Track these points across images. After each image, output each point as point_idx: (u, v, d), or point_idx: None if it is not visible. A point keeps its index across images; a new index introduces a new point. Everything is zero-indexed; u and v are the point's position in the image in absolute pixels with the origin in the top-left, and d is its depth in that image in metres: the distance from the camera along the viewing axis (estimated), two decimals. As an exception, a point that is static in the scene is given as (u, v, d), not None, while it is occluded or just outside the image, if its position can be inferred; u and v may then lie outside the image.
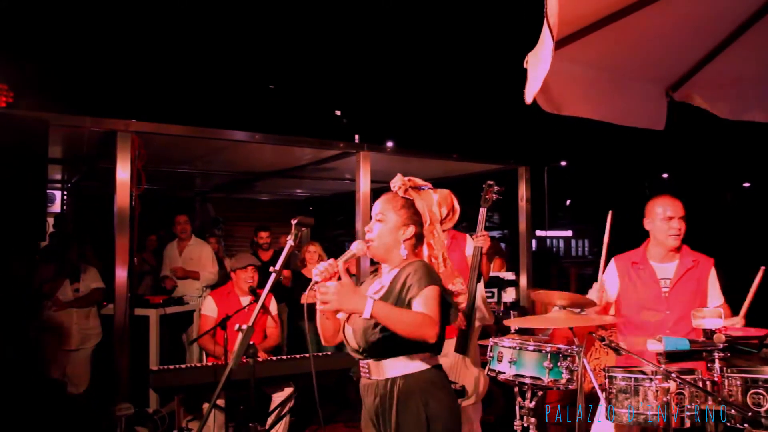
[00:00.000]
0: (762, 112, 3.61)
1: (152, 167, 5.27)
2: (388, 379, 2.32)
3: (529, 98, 2.73)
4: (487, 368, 3.39)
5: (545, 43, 2.33)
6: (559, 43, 2.93)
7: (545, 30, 2.27)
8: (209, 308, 4.83)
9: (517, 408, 3.38)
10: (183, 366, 4.31)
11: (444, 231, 2.55)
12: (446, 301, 2.36)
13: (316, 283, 2.28)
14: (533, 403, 3.31)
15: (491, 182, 4.07)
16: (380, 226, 2.40)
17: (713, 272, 3.45)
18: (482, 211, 4.07)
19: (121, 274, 4.49)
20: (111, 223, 4.60)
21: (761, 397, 2.68)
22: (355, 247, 2.43)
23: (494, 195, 4.09)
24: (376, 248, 2.42)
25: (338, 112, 23.69)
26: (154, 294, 6.59)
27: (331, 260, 2.34)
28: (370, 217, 2.46)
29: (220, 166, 7.11)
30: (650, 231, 3.48)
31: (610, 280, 3.59)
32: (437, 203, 2.47)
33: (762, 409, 2.66)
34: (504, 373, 3.25)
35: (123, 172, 4.54)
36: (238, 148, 5.80)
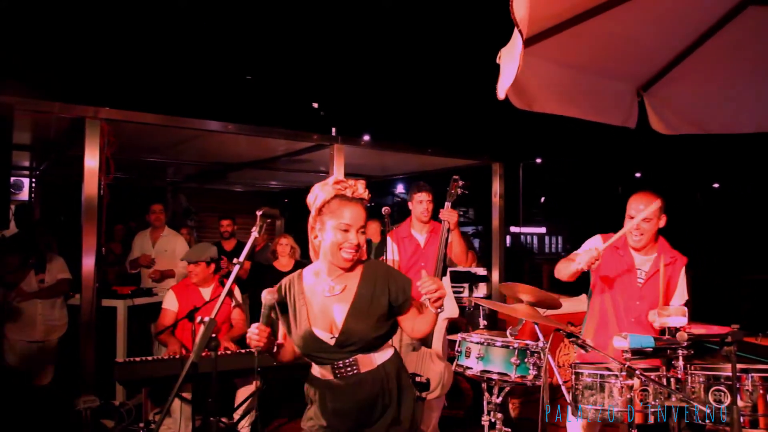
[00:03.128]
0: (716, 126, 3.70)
1: (122, 156, 5.18)
2: (379, 366, 2.45)
3: (501, 94, 2.73)
4: (455, 363, 3.40)
5: (516, 39, 2.33)
6: (532, 40, 2.94)
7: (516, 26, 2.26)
8: (169, 302, 4.78)
9: (484, 403, 3.39)
10: (150, 358, 4.25)
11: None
12: None
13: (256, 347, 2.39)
14: (500, 398, 3.32)
15: (456, 177, 4.12)
16: (362, 240, 2.45)
17: (683, 271, 3.49)
18: (447, 204, 4.15)
19: (88, 263, 4.41)
20: (79, 212, 4.52)
21: (722, 393, 2.72)
22: (267, 300, 2.37)
23: (459, 189, 4.14)
24: (357, 259, 2.45)
25: (316, 105, 23.57)
26: (121, 285, 6.49)
27: (257, 324, 2.36)
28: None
29: (193, 156, 7.02)
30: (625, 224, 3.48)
31: (595, 246, 3.55)
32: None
33: (723, 406, 2.70)
34: (472, 368, 3.26)
35: (91, 160, 4.45)
36: (211, 138, 5.73)
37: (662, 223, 3.41)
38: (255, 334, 2.34)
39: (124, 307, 5.51)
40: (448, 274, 4.57)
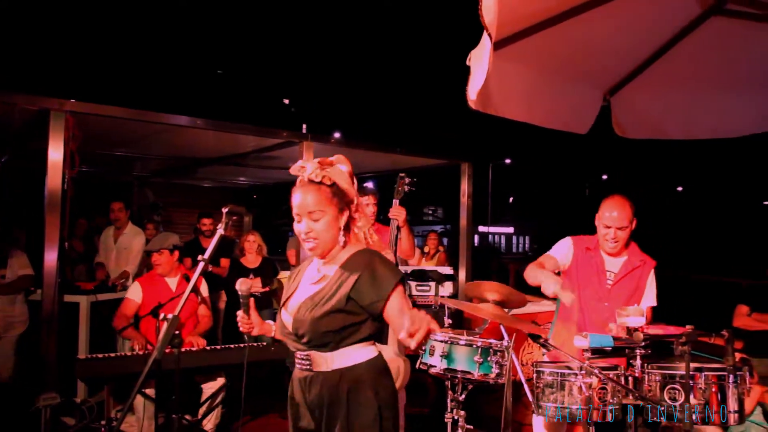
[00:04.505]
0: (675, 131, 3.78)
1: (88, 149, 5.10)
2: (335, 370, 2.24)
3: (472, 96, 2.75)
4: (419, 361, 3.43)
5: (485, 42, 2.35)
6: (500, 44, 2.97)
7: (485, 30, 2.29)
8: (133, 293, 4.73)
9: (448, 401, 3.43)
10: (113, 355, 4.20)
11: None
12: None
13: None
14: (463, 396, 3.36)
15: (403, 174, 4.16)
16: (320, 225, 2.25)
17: (653, 274, 3.55)
18: (395, 202, 4.18)
19: (51, 258, 4.33)
20: (41, 206, 4.44)
21: (677, 392, 2.80)
22: (240, 290, 2.41)
23: (406, 187, 4.18)
24: (321, 248, 2.29)
25: (287, 101, 23.45)
26: (85, 280, 6.39)
27: (239, 312, 2.43)
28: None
29: (161, 151, 6.94)
30: (597, 227, 3.53)
31: (564, 252, 3.61)
32: (348, 174, 2.37)
33: (677, 403, 2.78)
34: (435, 366, 3.29)
35: (55, 153, 4.37)
36: (180, 133, 5.67)
37: (633, 226, 3.48)
38: (238, 321, 2.46)
39: (87, 302, 5.43)
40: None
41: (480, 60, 2.55)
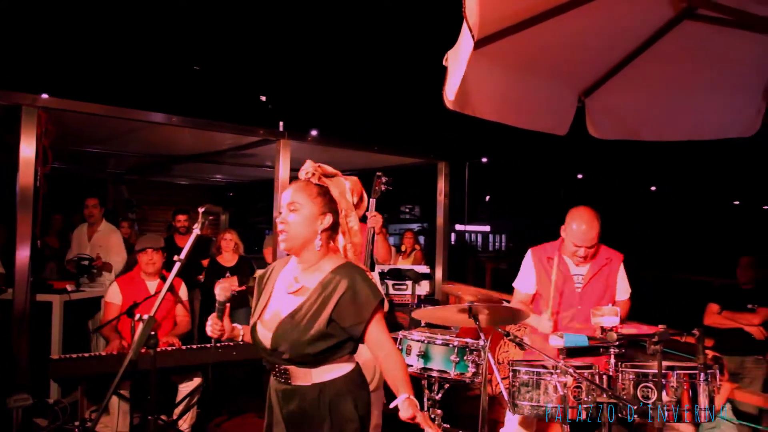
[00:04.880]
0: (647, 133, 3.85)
1: (62, 145, 5.03)
2: (315, 384, 2.22)
3: (450, 96, 2.76)
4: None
5: (464, 42, 2.35)
6: (478, 44, 2.99)
7: (465, 29, 2.29)
8: (113, 295, 4.65)
9: (424, 400, 3.45)
10: (86, 354, 4.15)
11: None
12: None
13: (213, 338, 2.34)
14: (440, 395, 3.38)
15: (380, 173, 4.17)
16: (295, 217, 2.22)
17: (622, 268, 3.59)
18: (372, 201, 4.18)
19: (22, 256, 4.27)
20: (13, 203, 4.37)
21: (650, 390, 2.85)
22: (219, 296, 2.36)
23: (383, 186, 4.19)
24: (291, 242, 2.24)
25: (263, 98, 23.32)
26: (60, 279, 6.30)
27: (212, 317, 2.34)
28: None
29: (136, 148, 6.87)
30: (564, 237, 3.53)
31: (526, 279, 3.65)
32: (349, 190, 2.35)
33: (650, 401, 2.83)
34: (412, 366, 3.31)
35: (27, 149, 4.31)
36: (155, 130, 5.61)
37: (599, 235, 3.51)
38: (209, 326, 2.34)
39: (60, 302, 5.35)
40: (376, 270, 4.62)
41: (457, 60, 2.56)
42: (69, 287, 5.54)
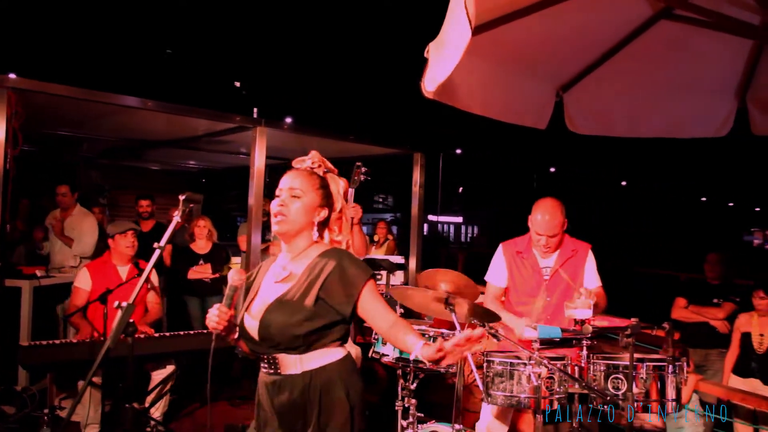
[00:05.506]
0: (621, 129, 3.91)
1: (32, 128, 4.92)
2: (305, 372, 2.19)
3: (430, 86, 2.76)
4: (371, 350, 3.46)
5: (457, 34, 2.33)
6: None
7: (457, 20, 2.28)
8: (82, 281, 4.59)
9: (399, 389, 3.48)
10: (56, 342, 4.10)
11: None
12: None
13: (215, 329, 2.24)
14: (415, 384, 3.41)
15: (359, 163, 4.17)
16: (297, 204, 2.23)
17: (590, 257, 3.66)
18: (351, 191, 4.18)
19: (-9, 241, 4.20)
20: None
21: (620, 381, 2.92)
22: (233, 279, 2.26)
23: (362, 176, 4.19)
24: (287, 226, 2.23)
25: (237, 83, 23.04)
26: (27, 264, 6.20)
27: (218, 306, 2.23)
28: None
29: (108, 132, 6.76)
30: (530, 227, 3.63)
31: (498, 267, 3.74)
32: (343, 190, 2.38)
33: (620, 392, 2.89)
34: (388, 355, 3.33)
35: (-3, 131, 4.22)
36: (129, 114, 5.52)
37: (565, 227, 3.58)
38: (215, 316, 2.21)
39: (30, 287, 5.26)
40: None
41: (441, 51, 2.56)
42: (39, 272, 5.46)
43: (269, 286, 2.30)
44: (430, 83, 2.74)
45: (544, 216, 3.50)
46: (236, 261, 6.92)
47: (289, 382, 2.20)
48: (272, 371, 2.23)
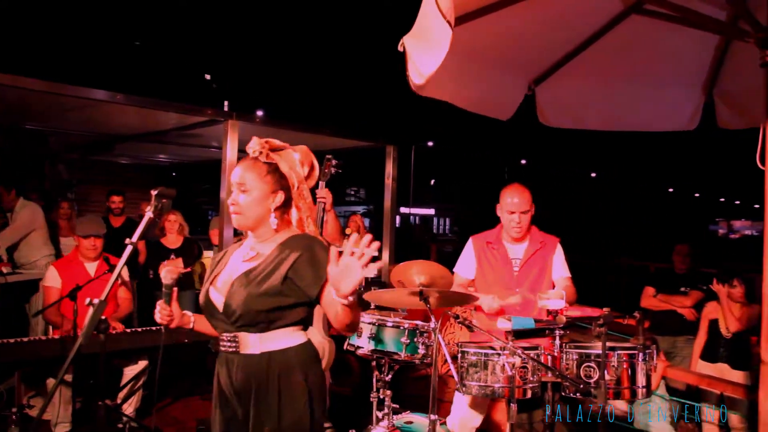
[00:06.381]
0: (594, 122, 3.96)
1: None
2: (263, 353, 2.17)
3: (418, 80, 2.75)
4: (346, 343, 3.47)
5: (437, 27, 2.32)
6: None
7: (435, 14, 2.28)
8: (51, 279, 4.53)
9: (374, 381, 3.49)
10: (24, 339, 4.03)
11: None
12: None
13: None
14: (389, 376, 3.42)
15: (329, 156, 4.17)
16: (246, 198, 2.22)
17: (559, 249, 3.72)
18: (321, 184, 4.18)
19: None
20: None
21: (592, 369, 2.97)
22: (165, 278, 2.29)
23: (333, 169, 4.19)
24: (244, 221, 2.24)
25: (208, 76, 22.78)
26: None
27: (159, 302, 2.27)
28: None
29: (77, 126, 6.63)
30: (500, 217, 3.70)
31: (467, 259, 3.78)
32: (299, 162, 2.32)
33: (592, 380, 2.95)
34: (363, 347, 3.34)
35: (-40, 126, 4.13)
36: (97, 108, 5.42)
37: (533, 211, 3.64)
38: (157, 312, 2.28)
39: (-6, 284, 5.17)
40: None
41: (422, 44, 2.56)
42: (4, 269, 5.35)
43: (237, 264, 2.29)
44: (417, 77, 2.74)
45: (513, 196, 3.59)
46: (208, 255, 6.86)
47: (248, 362, 2.19)
48: (232, 349, 2.22)
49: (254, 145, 2.27)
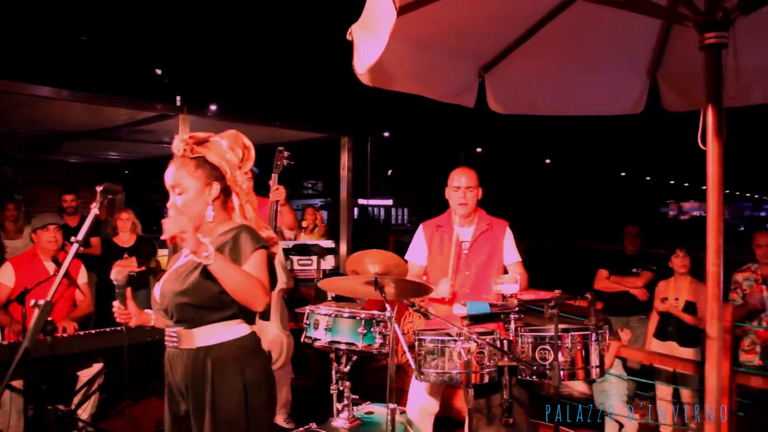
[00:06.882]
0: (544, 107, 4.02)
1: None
2: (200, 348, 2.19)
3: (361, 70, 2.75)
4: (303, 335, 3.45)
5: (381, 15, 2.31)
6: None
7: (380, 2, 2.27)
8: (5, 276, 4.37)
9: (333, 373, 3.48)
10: (-28, 344, 3.90)
11: (246, 173, 2.37)
12: (272, 267, 2.28)
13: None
14: (348, 367, 3.42)
15: (281, 148, 4.17)
16: (182, 199, 2.22)
17: (508, 233, 3.76)
18: (274, 176, 4.17)
19: None
20: None
21: (547, 352, 3.02)
22: (115, 279, 2.29)
23: (285, 161, 4.19)
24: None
25: (159, 71, 22.35)
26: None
27: (115, 303, 2.31)
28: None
29: (22, 124, 6.45)
30: (448, 199, 3.74)
31: (418, 246, 3.80)
32: (229, 148, 2.31)
33: (547, 363, 3.00)
34: (320, 339, 3.33)
35: None
36: (43, 105, 5.29)
37: (480, 194, 3.69)
38: (115, 312, 2.32)
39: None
40: (280, 246, 4.63)
41: (367, 33, 2.55)
42: None
43: (182, 259, 2.33)
44: (360, 66, 2.74)
45: (459, 175, 3.69)
46: (163, 253, 6.75)
47: (185, 357, 2.22)
48: (172, 344, 2.25)
49: (177, 144, 2.28)
